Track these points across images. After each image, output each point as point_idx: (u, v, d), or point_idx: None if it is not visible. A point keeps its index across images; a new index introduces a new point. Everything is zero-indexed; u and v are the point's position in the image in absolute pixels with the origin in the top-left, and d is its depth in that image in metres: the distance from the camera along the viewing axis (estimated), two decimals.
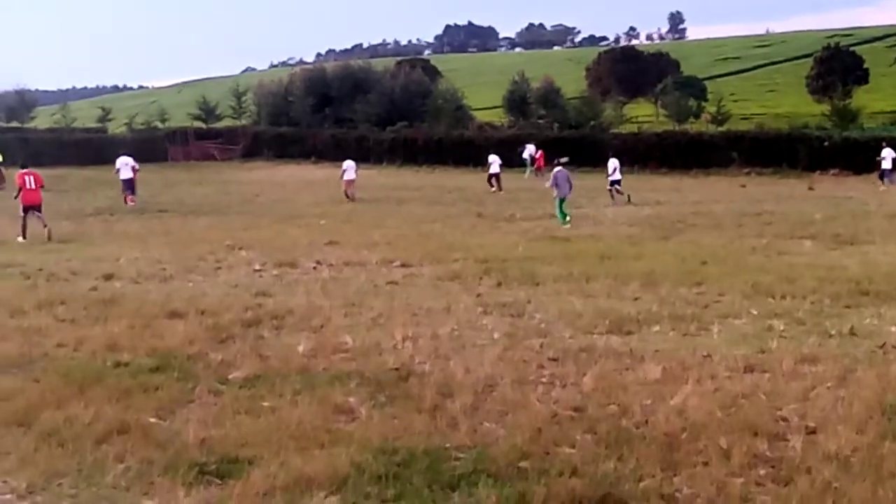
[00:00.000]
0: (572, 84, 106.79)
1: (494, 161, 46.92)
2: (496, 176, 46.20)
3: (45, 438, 7.67)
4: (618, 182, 38.98)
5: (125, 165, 38.18)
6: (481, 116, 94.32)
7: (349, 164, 42.47)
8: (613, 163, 39.49)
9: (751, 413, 8.10)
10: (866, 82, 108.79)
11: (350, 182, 41.73)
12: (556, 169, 29.85)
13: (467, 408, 8.39)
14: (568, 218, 28.10)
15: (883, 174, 46.64)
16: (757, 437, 7.47)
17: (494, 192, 43.82)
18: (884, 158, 46.95)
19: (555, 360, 10.31)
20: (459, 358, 10.35)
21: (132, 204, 36.33)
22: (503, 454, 7.15)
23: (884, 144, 49.16)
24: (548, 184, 30.57)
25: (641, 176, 57.10)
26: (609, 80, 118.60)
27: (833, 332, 11.60)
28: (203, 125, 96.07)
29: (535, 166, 57.94)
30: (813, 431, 7.67)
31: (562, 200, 28.86)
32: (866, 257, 18.88)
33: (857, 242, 21.69)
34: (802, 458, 7.05)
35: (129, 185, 37.79)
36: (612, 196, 37.91)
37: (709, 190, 44.86)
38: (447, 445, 7.42)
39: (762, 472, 6.84)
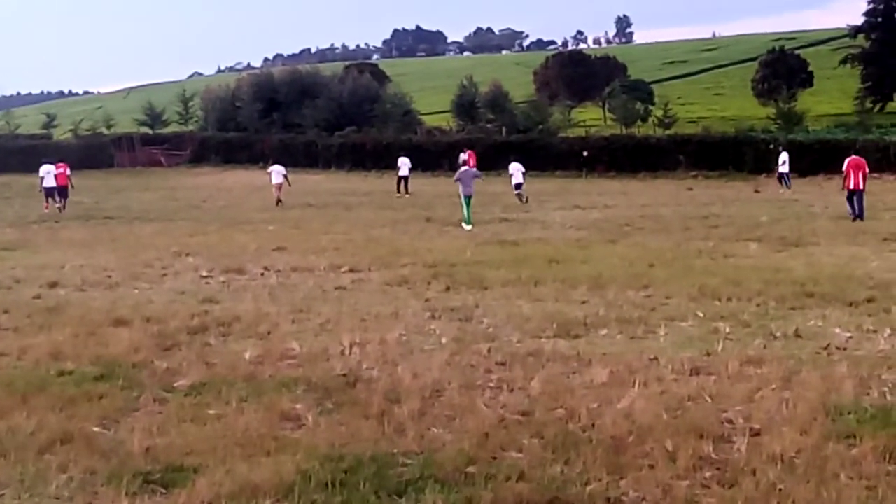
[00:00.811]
0: (521, 88, 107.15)
1: (404, 164, 47.18)
2: (405, 179, 46.47)
3: None
4: (519, 186, 39.30)
5: (48, 173, 37.95)
6: (430, 121, 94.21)
7: (275, 169, 42.72)
8: (515, 167, 39.98)
9: (696, 415, 8.16)
10: (811, 85, 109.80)
11: (279, 185, 41.96)
12: (462, 169, 31.81)
13: (415, 413, 8.37)
14: (469, 226, 28.50)
15: (781, 177, 47.53)
16: (702, 440, 7.51)
17: (400, 196, 43.67)
18: (783, 163, 47.82)
19: (502, 364, 10.33)
20: (407, 363, 10.33)
21: (46, 211, 36.21)
22: (450, 459, 7.14)
23: (780, 149, 50.49)
24: (454, 178, 32.29)
25: (589, 179, 57.46)
26: (557, 84, 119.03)
27: (778, 334, 11.69)
28: (150, 131, 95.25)
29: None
30: (758, 433, 7.73)
31: (468, 199, 29.85)
32: (811, 259, 19.07)
33: (802, 244, 21.90)
34: (747, 459, 7.11)
35: (51, 192, 37.62)
36: (523, 200, 38.13)
37: (656, 193, 45.11)
38: (394, 451, 7.40)
39: (707, 474, 6.88)
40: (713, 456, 7.22)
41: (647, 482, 6.68)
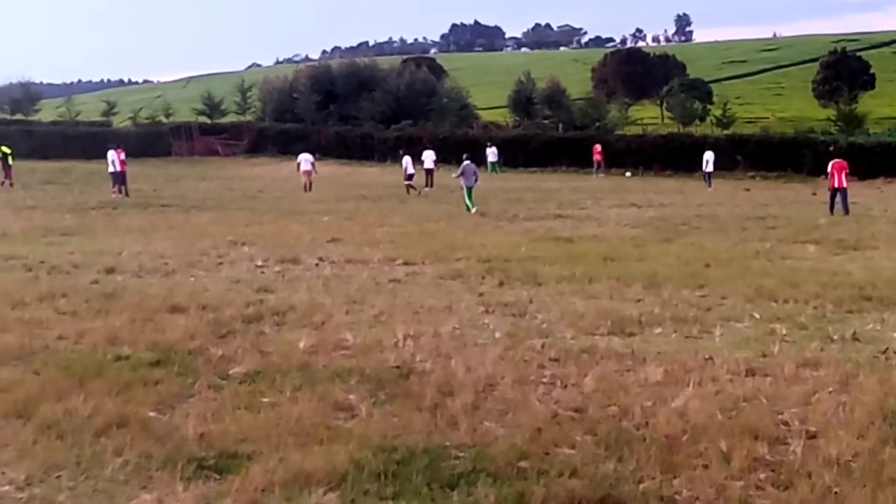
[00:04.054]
0: (578, 85, 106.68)
1: (429, 157, 47.89)
2: (431, 172, 47.01)
3: (44, 430, 7.65)
4: (410, 178, 43.07)
5: (112, 160, 38.82)
6: (486, 116, 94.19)
7: (304, 157, 43.49)
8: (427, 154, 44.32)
9: (752, 416, 8.07)
10: (872, 87, 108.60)
11: (307, 172, 42.44)
12: (465, 163, 34.59)
13: (467, 407, 8.36)
14: (473, 208, 32.53)
15: (706, 176, 50.91)
16: (757, 441, 7.44)
17: (422, 190, 43.71)
18: (707, 161, 51.24)
19: (556, 360, 10.28)
20: (460, 357, 10.31)
21: (114, 196, 36.81)
22: (503, 454, 7.12)
23: (706, 148, 53.92)
24: (454, 175, 35.55)
25: (646, 178, 57.19)
26: (615, 81, 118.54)
27: (835, 337, 11.55)
28: (207, 120, 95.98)
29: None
30: (814, 436, 7.64)
31: (469, 190, 33.53)
32: (870, 262, 18.83)
33: (860, 247, 21.63)
34: (802, 462, 7.02)
35: (116, 177, 38.31)
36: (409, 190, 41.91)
37: (713, 193, 44.83)
38: (447, 444, 7.40)
39: (762, 475, 6.81)
40: (768, 457, 7.14)
41: (701, 482, 6.62)
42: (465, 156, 36.73)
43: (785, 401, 8.61)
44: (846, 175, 32.57)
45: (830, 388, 9.00)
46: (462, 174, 34.39)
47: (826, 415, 8.17)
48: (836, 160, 33.04)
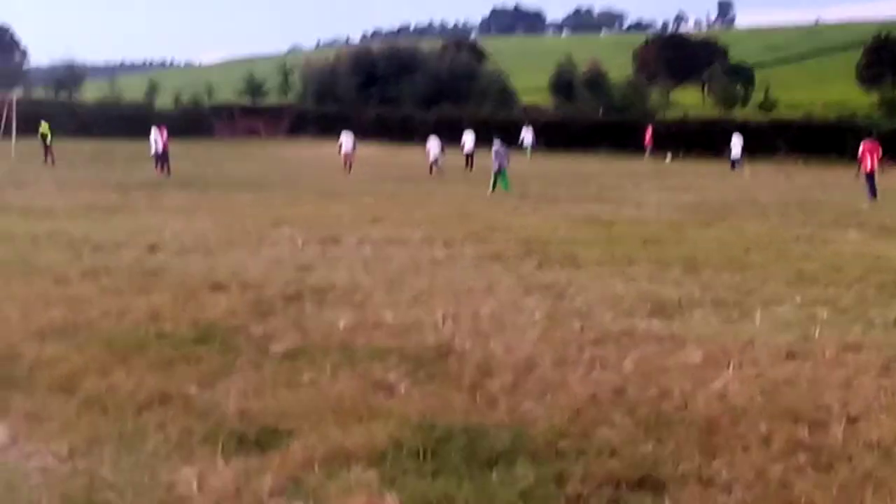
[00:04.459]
0: (619, 69, 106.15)
1: (469, 139, 48.50)
2: (470, 155, 47.56)
3: (88, 405, 7.74)
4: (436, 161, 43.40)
5: (154, 139, 39.89)
6: (526, 99, 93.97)
7: (345, 137, 44.72)
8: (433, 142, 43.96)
9: (792, 400, 8.05)
10: None
11: (348, 153, 43.10)
12: (496, 145, 34.43)
13: (507, 387, 8.38)
14: (511, 188, 32.94)
15: (734, 163, 50.74)
16: (798, 424, 7.40)
17: (443, 171, 43.39)
18: (734, 145, 51.46)
19: (595, 342, 10.26)
20: (500, 337, 10.33)
21: (157, 175, 37.36)
22: (542, 434, 7.14)
23: (733, 133, 53.21)
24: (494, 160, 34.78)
25: (686, 161, 56.89)
26: (656, 65, 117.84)
27: (877, 322, 11.46)
28: (249, 102, 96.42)
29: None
30: (854, 420, 7.60)
31: (502, 171, 33.60)
32: None
33: None
34: (843, 445, 6.99)
35: (160, 157, 39.29)
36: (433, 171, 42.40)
37: (754, 177, 44.54)
38: (486, 424, 7.41)
39: (802, 458, 6.77)
40: (808, 440, 7.10)
41: (741, 464, 6.61)
42: (495, 137, 36.64)
43: (826, 384, 8.57)
44: (878, 158, 31.63)
45: (871, 373, 8.96)
46: (495, 156, 34.51)
47: (867, 399, 8.13)
48: (867, 141, 32.26)
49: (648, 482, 6.31)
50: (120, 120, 74.35)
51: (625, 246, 18.26)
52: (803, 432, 7.25)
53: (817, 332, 10.75)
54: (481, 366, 9.09)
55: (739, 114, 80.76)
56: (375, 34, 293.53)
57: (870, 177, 31.24)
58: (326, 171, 43.60)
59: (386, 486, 6.15)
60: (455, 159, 47.01)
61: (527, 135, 61.80)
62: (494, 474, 6.42)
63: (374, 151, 58.55)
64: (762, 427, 7.26)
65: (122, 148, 55.63)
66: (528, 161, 52.84)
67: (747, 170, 48.37)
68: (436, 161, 43.37)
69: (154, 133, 39.84)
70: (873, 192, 30.83)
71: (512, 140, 56.43)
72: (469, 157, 47.20)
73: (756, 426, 7.29)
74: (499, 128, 55.43)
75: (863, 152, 31.65)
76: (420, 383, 8.57)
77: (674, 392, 8.25)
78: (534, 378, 8.76)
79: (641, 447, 6.91)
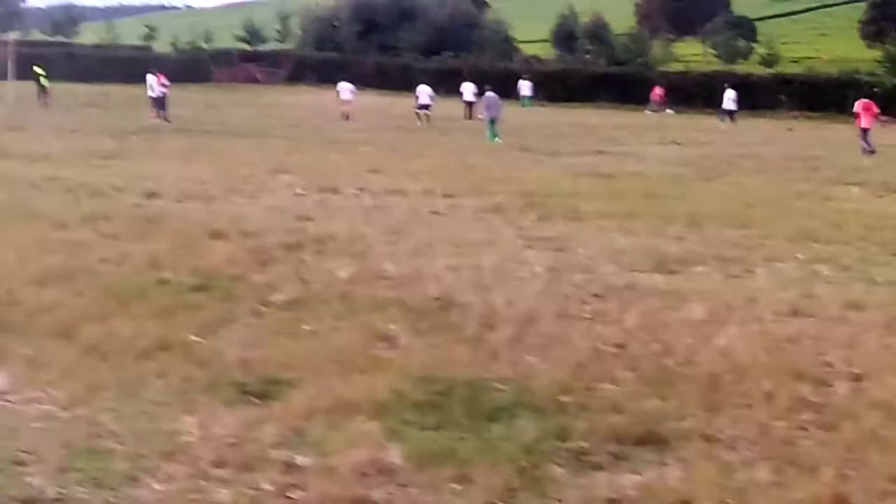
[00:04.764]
0: (621, 21, 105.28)
1: (468, 89, 48.80)
2: (470, 104, 47.53)
3: (87, 351, 7.68)
4: (425, 107, 42.91)
5: (151, 84, 39.69)
6: (527, 50, 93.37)
7: (343, 86, 44.99)
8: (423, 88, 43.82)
9: (795, 357, 8.01)
10: None
11: (346, 102, 43.63)
12: (487, 94, 35.94)
13: (509, 340, 8.32)
14: (497, 139, 33.41)
15: (728, 114, 50.57)
16: (801, 382, 7.36)
17: (424, 120, 42.73)
18: (727, 99, 51.07)
19: (597, 296, 10.21)
20: (501, 290, 10.26)
21: (154, 121, 36.96)
22: (544, 388, 7.09)
23: (726, 86, 52.53)
24: (481, 109, 37.05)
25: (688, 115, 56.64)
26: (659, 17, 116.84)
27: (880, 280, 11.40)
28: (248, 48, 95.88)
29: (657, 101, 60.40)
30: (858, 378, 7.54)
31: (492, 121, 34.45)
32: None
33: None
34: (847, 404, 6.96)
35: (156, 102, 38.79)
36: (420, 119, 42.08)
37: (755, 132, 44.37)
38: (488, 377, 7.37)
39: (806, 416, 6.74)
40: (812, 398, 7.06)
41: (744, 421, 6.58)
42: (487, 87, 37.69)
43: (829, 342, 8.52)
44: (872, 116, 32.55)
45: (876, 331, 8.91)
46: (486, 106, 35.47)
47: (871, 357, 8.08)
48: (863, 100, 33.30)
49: (651, 438, 6.28)
50: (117, 64, 73.98)
51: (626, 200, 18.19)
52: (807, 390, 7.21)
53: (820, 290, 10.71)
54: (483, 318, 9.03)
55: (741, 67, 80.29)
56: None
57: (863, 132, 32.05)
58: (325, 119, 43.37)
59: (388, 437, 6.12)
60: (453, 109, 46.91)
61: (524, 86, 61.29)
62: (497, 428, 6.40)
63: (374, 99, 58.22)
64: (766, 384, 7.20)
65: (119, 92, 55.29)
66: (523, 112, 52.47)
67: (727, 125, 48.46)
68: (426, 107, 43.13)
69: (151, 79, 39.64)
70: (870, 148, 31.49)
71: (511, 92, 56.34)
72: (469, 107, 46.98)
73: (759, 383, 7.24)
74: (499, 78, 55.30)
75: (858, 111, 32.81)
76: (421, 335, 8.52)
77: (677, 348, 8.20)
78: (536, 331, 8.70)
79: (644, 403, 6.87)
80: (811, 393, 7.18)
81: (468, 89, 48.11)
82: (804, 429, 6.55)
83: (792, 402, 6.95)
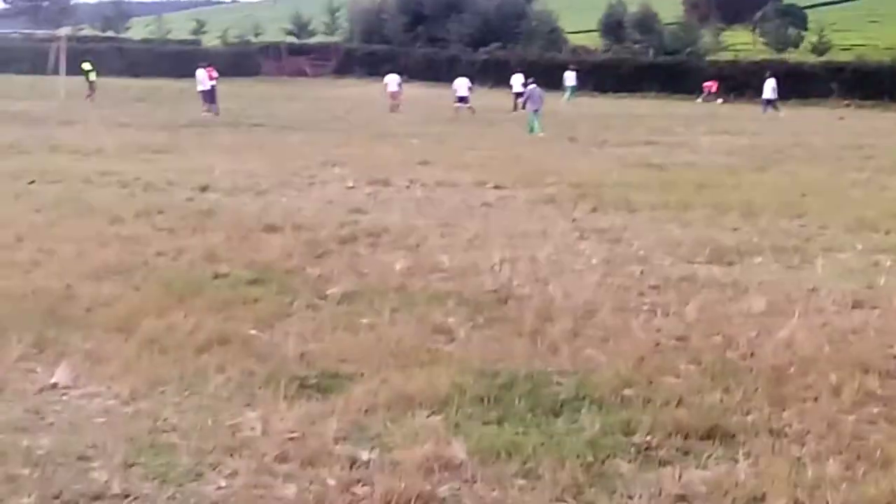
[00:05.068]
0: (669, 9, 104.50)
1: (517, 80, 48.47)
2: (519, 95, 46.05)
3: (147, 346, 7.66)
4: (463, 99, 43.49)
5: (201, 79, 40.01)
6: (575, 40, 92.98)
7: (390, 78, 45.23)
8: (460, 82, 44.09)
9: (861, 349, 7.87)
10: None
11: (394, 94, 43.94)
12: (531, 87, 36.48)
13: (568, 333, 8.23)
14: (539, 131, 33.40)
15: (769, 103, 49.73)
16: (868, 375, 7.21)
17: (468, 111, 43.02)
18: (768, 88, 50.35)
19: (655, 288, 10.11)
20: (558, 282, 10.18)
21: (205, 115, 37.08)
22: (606, 381, 7.00)
23: (768, 75, 51.74)
24: (521, 100, 38.00)
25: (738, 105, 56.19)
26: (708, 6, 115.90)
27: None
28: (296, 40, 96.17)
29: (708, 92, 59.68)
30: None
31: (536, 113, 34.52)
32: None
33: None
34: None
35: (206, 96, 38.91)
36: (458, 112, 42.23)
37: (807, 121, 43.93)
38: (549, 370, 7.30)
39: (874, 409, 6.62)
40: (879, 391, 6.93)
41: (811, 415, 6.46)
42: (530, 79, 38.28)
43: (895, 334, 8.38)
44: None
45: None
46: (528, 98, 35.76)
47: None
48: None
49: (718, 432, 6.17)
50: (167, 59, 74.52)
51: (679, 190, 18.03)
52: (874, 383, 7.07)
53: (882, 281, 10.53)
54: (541, 311, 8.94)
55: (791, 56, 79.52)
56: None
57: None
58: (373, 111, 43.46)
59: (451, 432, 6.06)
60: (502, 100, 46.75)
61: (569, 77, 60.63)
62: (560, 422, 6.32)
63: (422, 91, 58.29)
64: (832, 377, 7.08)
65: (169, 87, 55.65)
66: (566, 104, 52.20)
67: (771, 113, 47.76)
68: (464, 99, 43.09)
69: (201, 73, 39.86)
70: None
71: (558, 83, 56.01)
72: (518, 98, 46.76)
73: (825, 376, 7.11)
74: (547, 69, 55.13)
75: None
76: (479, 328, 8.46)
77: (739, 340, 8.09)
78: (594, 324, 8.62)
79: (708, 396, 6.77)
80: (879, 386, 7.04)
81: (517, 80, 47.93)
82: (873, 423, 6.43)
83: (859, 395, 6.82)
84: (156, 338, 7.86)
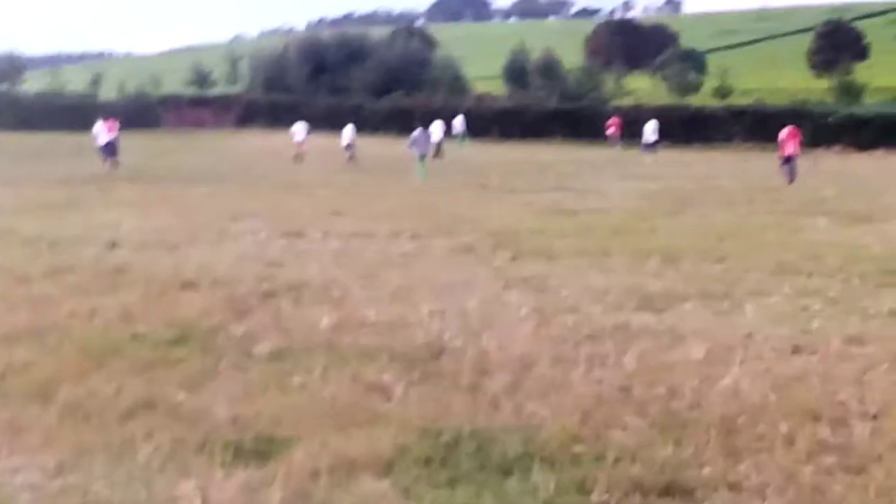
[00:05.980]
0: (570, 56, 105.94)
1: (437, 128, 48.25)
2: (438, 144, 46.97)
3: (68, 413, 7.29)
4: (349, 147, 43.41)
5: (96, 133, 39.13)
6: (479, 87, 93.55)
7: (298, 126, 45.85)
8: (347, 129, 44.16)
9: (807, 396, 7.75)
10: (866, 58, 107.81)
11: (300, 143, 44.25)
12: (417, 131, 36.86)
13: (507, 387, 8.02)
14: (422, 177, 33.53)
15: (650, 146, 50.35)
16: (818, 423, 7.11)
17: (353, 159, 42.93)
18: (648, 131, 51.06)
19: (591, 337, 9.91)
20: (491, 334, 9.94)
21: (106, 169, 36.46)
22: (553, 437, 6.79)
23: (648, 118, 52.82)
24: (407, 144, 37.22)
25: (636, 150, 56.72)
26: (608, 52, 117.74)
27: (872, 313, 11.17)
28: (196, 92, 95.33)
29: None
30: (875, 417, 7.30)
31: (422, 157, 35.28)
32: (887, 235, 18.34)
33: (873, 220, 21.19)
34: (870, 445, 6.70)
35: (105, 150, 38.18)
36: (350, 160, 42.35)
37: (713, 165, 44.39)
38: (493, 427, 7.04)
39: (830, 459, 6.47)
40: (833, 441, 6.80)
41: (767, 467, 6.30)
42: (416, 125, 38.96)
43: (838, 380, 8.28)
44: (798, 143, 33.41)
45: (883, 366, 8.67)
46: (414, 143, 36.14)
47: (884, 394, 7.85)
48: (790, 127, 33.81)
49: (676, 488, 6.00)
50: (63, 112, 73.05)
51: (596, 236, 17.99)
52: (826, 432, 6.96)
53: (815, 325, 10.48)
54: (476, 365, 8.72)
55: (693, 100, 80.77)
56: (321, 22, 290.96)
57: (790, 160, 32.56)
58: (279, 162, 42.98)
59: (401, 496, 5.78)
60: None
61: (458, 123, 60.28)
62: (513, 482, 6.08)
63: (326, 141, 57.86)
64: (783, 427, 6.95)
65: (66, 141, 54.55)
66: (463, 149, 52.51)
67: (651, 157, 48.28)
68: (348, 146, 43.10)
69: (98, 126, 39.05)
70: (792, 176, 32.15)
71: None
72: (438, 146, 46.40)
73: (776, 426, 6.98)
74: (451, 117, 55.21)
75: (785, 138, 33.02)
76: (415, 384, 8.19)
77: (683, 390, 7.92)
78: (534, 377, 8.40)
79: (660, 451, 6.57)
80: (830, 434, 6.93)
81: (437, 128, 47.74)
82: (831, 473, 6.28)
83: (813, 444, 6.70)
84: (77, 404, 7.49)
